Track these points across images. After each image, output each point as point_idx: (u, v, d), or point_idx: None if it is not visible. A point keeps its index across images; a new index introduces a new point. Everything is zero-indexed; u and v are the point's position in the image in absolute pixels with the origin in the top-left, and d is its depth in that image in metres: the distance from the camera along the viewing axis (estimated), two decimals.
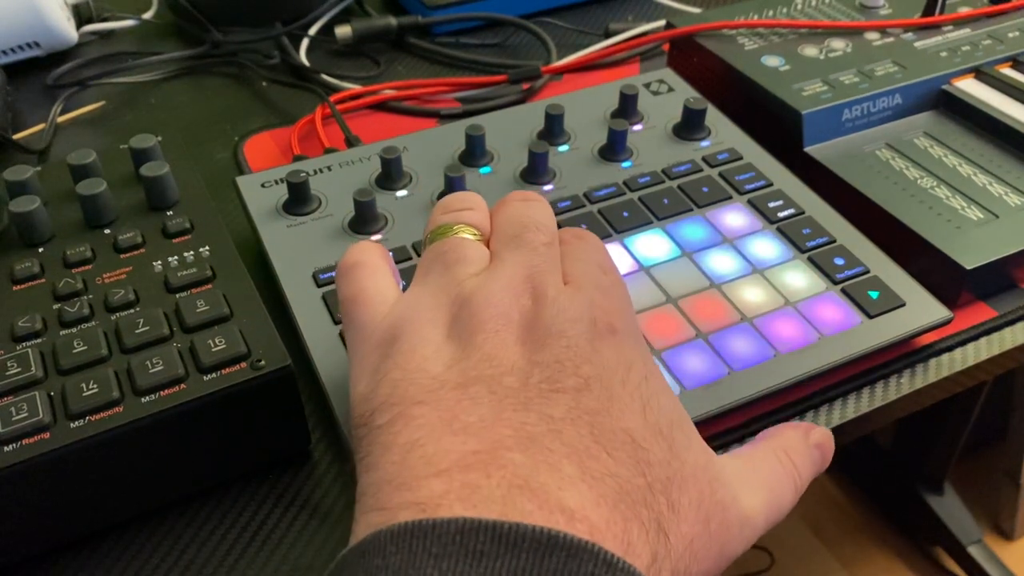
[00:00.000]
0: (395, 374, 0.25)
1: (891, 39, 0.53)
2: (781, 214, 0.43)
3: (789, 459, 0.29)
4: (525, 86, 0.59)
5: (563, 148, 0.47)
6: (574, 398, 0.24)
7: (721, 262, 0.40)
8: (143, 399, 0.31)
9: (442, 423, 0.23)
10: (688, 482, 0.25)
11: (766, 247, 0.41)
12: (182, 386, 0.31)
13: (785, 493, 0.28)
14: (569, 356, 0.25)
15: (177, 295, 0.35)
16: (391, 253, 0.40)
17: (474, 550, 0.20)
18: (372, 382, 0.26)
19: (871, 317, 0.38)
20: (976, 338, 0.40)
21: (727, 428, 0.35)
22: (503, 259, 0.28)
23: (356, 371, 0.27)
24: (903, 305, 0.38)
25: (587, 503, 0.22)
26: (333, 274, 0.39)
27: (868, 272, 0.40)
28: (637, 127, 0.48)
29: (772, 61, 0.51)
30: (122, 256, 0.37)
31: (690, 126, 0.48)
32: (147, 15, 0.69)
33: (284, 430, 0.35)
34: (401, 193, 0.44)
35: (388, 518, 0.21)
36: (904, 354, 0.39)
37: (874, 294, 0.38)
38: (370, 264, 0.30)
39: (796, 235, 0.41)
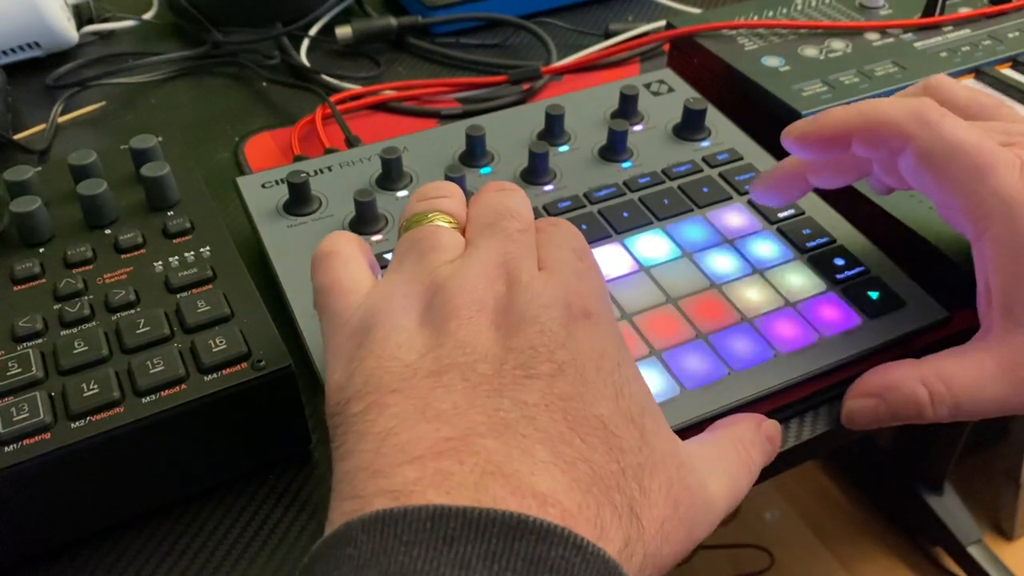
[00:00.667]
0: (369, 362, 0.25)
1: (891, 39, 0.53)
2: (781, 214, 0.43)
3: (745, 448, 0.30)
4: (525, 86, 0.59)
5: (563, 148, 0.47)
6: (548, 384, 0.24)
7: (721, 262, 0.40)
8: (144, 399, 0.31)
9: (416, 411, 0.23)
10: (658, 468, 0.25)
11: (766, 247, 0.41)
12: (183, 386, 0.31)
13: (742, 480, 0.29)
14: (543, 341, 0.25)
15: (178, 295, 0.35)
16: (388, 253, 0.40)
17: (445, 536, 0.20)
18: (347, 371, 0.26)
19: (871, 317, 0.38)
20: None
21: None
22: (477, 246, 0.28)
23: (331, 360, 0.27)
24: (903, 305, 0.38)
25: (559, 488, 0.22)
26: None
27: (868, 272, 0.40)
28: (637, 127, 0.48)
29: (772, 61, 0.51)
30: (123, 256, 0.37)
31: (690, 126, 0.48)
32: (147, 15, 0.69)
33: (284, 430, 0.35)
34: (402, 193, 0.44)
35: (362, 506, 0.22)
36: (904, 354, 0.39)
37: (874, 294, 0.39)
38: (344, 253, 0.30)
39: (796, 235, 0.41)
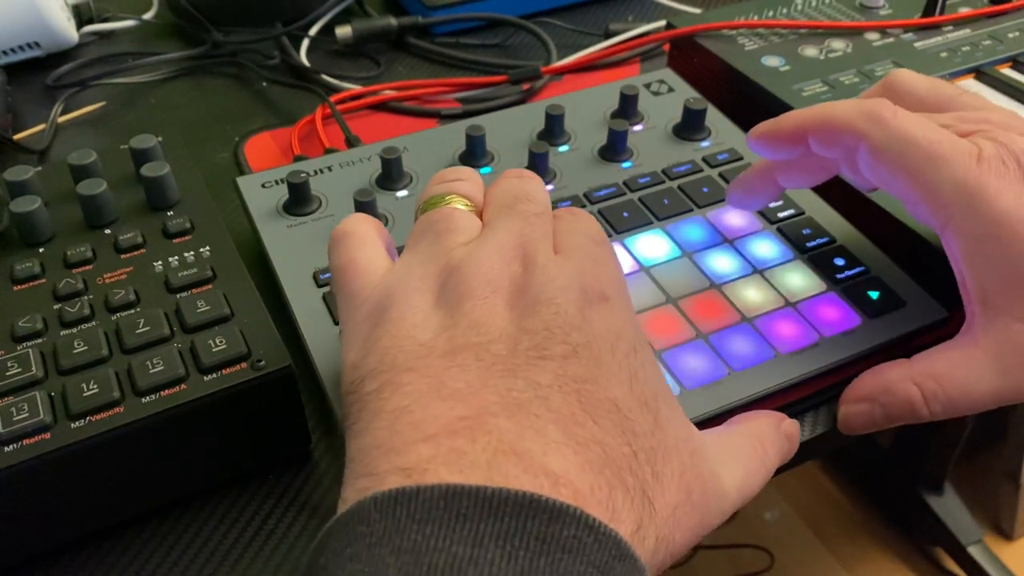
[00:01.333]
0: (384, 342, 0.25)
1: (891, 39, 0.53)
2: (781, 214, 0.43)
3: (761, 444, 0.30)
4: (525, 86, 0.59)
5: (563, 148, 0.47)
6: (561, 365, 0.24)
7: (721, 262, 0.40)
8: (144, 399, 0.31)
9: (430, 390, 0.24)
10: (671, 453, 0.25)
11: (766, 247, 0.41)
12: (183, 386, 0.31)
13: (756, 476, 0.29)
14: (558, 323, 0.25)
15: (178, 295, 0.35)
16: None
17: (458, 514, 0.20)
18: (362, 350, 0.26)
19: (871, 317, 0.38)
20: None
21: None
22: (494, 227, 0.28)
23: (347, 340, 0.27)
24: (903, 305, 0.38)
25: (572, 468, 0.22)
26: None
27: (868, 272, 0.40)
28: (637, 127, 0.48)
29: (772, 61, 0.51)
30: (123, 256, 0.37)
31: (690, 126, 0.48)
32: (147, 15, 0.69)
33: (284, 430, 0.35)
34: (401, 193, 0.44)
35: (376, 483, 0.22)
36: (904, 354, 0.39)
37: (874, 294, 0.38)
38: (361, 234, 0.30)
39: (796, 235, 0.41)
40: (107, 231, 0.39)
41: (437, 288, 0.27)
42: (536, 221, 0.28)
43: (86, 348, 0.32)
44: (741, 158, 0.46)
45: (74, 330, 0.34)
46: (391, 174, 0.44)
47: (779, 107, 0.48)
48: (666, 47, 0.60)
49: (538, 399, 0.23)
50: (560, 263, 0.27)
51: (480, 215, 0.30)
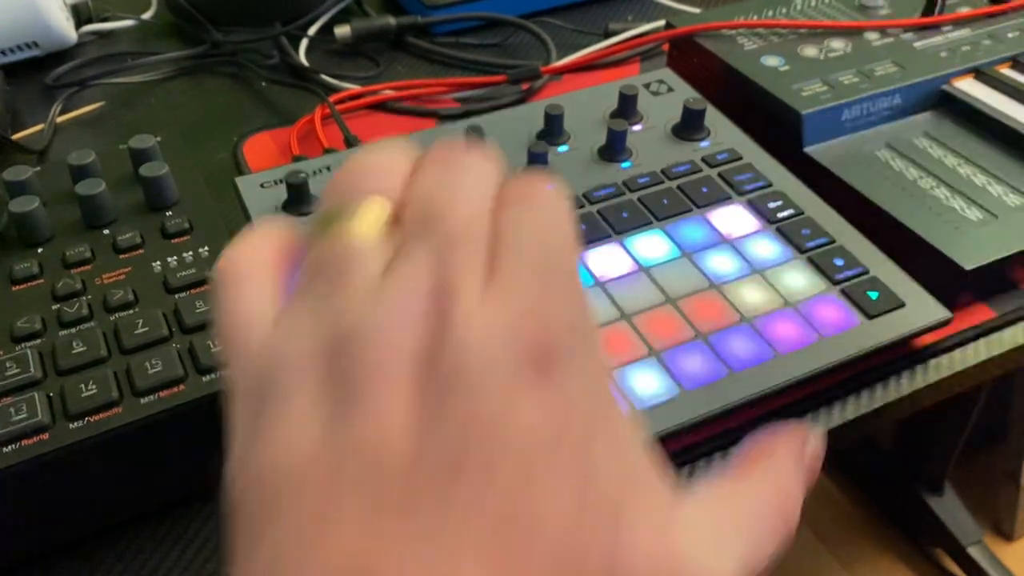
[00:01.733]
0: (261, 453, 0.19)
1: (891, 39, 0.53)
2: (781, 214, 0.43)
3: (785, 498, 0.25)
4: (525, 86, 0.59)
5: (562, 148, 0.47)
6: (477, 493, 0.18)
7: (720, 262, 0.40)
8: (142, 400, 0.31)
9: (311, 523, 0.18)
10: (638, 568, 0.19)
11: (766, 247, 0.41)
12: (181, 387, 0.31)
13: (771, 542, 0.24)
14: (477, 420, 0.18)
15: (176, 295, 0.35)
16: None
17: None
18: (244, 446, 0.20)
19: (870, 317, 0.38)
20: (975, 339, 0.40)
21: (726, 429, 0.35)
22: (405, 258, 0.20)
23: (231, 420, 0.21)
24: (903, 306, 0.38)
25: None
26: None
27: (867, 272, 0.40)
28: (637, 127, 0.48)
29: (772, 61, 0.51)
30: (121, 256, 0.37)
31: (690, 126, 0.48)
32: (146, 15, 0.69)
33: None
34: None
35: None
36: (903, 355, 0.39)
37: (873, 294, 0.38)
38: (242, 272, 0.22)
39: (795, 235, 0.41)
40: (106, 231, 0.39)
41: (324, 370, 0.19)
42: (460, 243, 0.20)
43: (85, 348, 0.32)
44: (740, 158, 0.46)
45: (73, 330, 0.34)
46: None
47: (779, 107, 0.48)
48: (665, 47, 0.60)
49: (439, 548, 0.18)
50: (489, 313, 0.19)
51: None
